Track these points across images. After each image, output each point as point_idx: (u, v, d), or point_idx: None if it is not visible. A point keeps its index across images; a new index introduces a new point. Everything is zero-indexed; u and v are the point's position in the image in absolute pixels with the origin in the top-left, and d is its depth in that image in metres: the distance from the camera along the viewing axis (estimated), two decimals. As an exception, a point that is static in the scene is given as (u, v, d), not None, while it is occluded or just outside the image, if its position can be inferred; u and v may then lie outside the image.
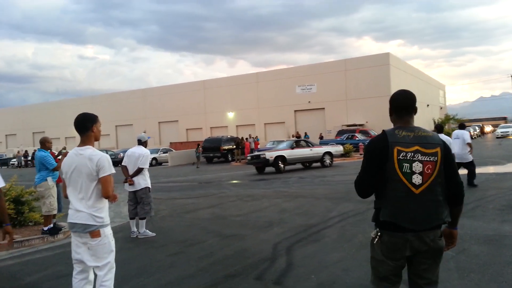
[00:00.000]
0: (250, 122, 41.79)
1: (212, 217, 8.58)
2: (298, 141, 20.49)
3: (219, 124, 43.74)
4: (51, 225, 7.33)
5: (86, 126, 3.36)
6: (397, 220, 2.37)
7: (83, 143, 3.38)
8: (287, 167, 18.95)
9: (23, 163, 41.33)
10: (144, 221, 7.16)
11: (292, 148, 19.11)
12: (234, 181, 16.08)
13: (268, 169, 18.91)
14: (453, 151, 9.92)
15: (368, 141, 3.14)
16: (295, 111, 39.76)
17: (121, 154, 30.00)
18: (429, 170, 2.36)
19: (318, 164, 19.69)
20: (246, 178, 17.22)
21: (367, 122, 35.00)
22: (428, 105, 44.34)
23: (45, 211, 7.24)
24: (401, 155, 2.37)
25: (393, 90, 2.90)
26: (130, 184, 7.09)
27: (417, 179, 2.36)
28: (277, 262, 5.11)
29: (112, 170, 3.34)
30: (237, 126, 42.56)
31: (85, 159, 3.27)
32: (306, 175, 16.51)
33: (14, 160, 42.79)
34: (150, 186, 7.26)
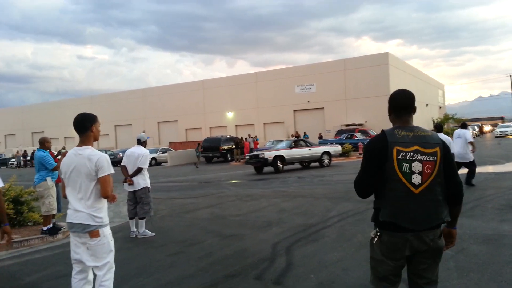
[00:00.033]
0: (249, 122, 41.79)
1: (211, 217, 8.58)
2: (297, 141, 20.50)
3: (219, 124, 43.73)
4: (51, 225, 7.33)
5: (85, 126, 3.35)
6: (397, 220, 2.37)
7: (82, 143, 3.38)
8: (286, 167, 18.95)
9: (22, 163, 41.33)
10: (144, 221, 7.16)
11: (290, 148, 19.12)
12: (234, 181, 16.08)
13: (267, 169, 18.92)
14: (454, 151, 9.92)
15: (367, 141, 3.14)
16: (294, 110, 39.77)
17: (121, 154, 29.99)
18: (429, 170, 2.36)
19: (317, 164, 19.70)
20: (245, 178, 17.22)
21: (366, 121, 35.01)
22: (427, 104, 44.37)
23: (44, 211, 7.23)
24: (400, 155, 2.36)
25: (392, 89, 2.91)
26: (129, 184, 7.08)
27: (416, 179, 2.35)
28: (277, 262, 5.11)
29: (111, 170, 3.34)
30: (236, 126, 42.55)
31: (84, 159, 3.27)
32: (305, 174, 16.52)
33: (13, 160, 42.78)
34: (149, 186, 7.26)
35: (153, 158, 31.71)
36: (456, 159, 9.86)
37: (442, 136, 8.92)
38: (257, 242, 6.18)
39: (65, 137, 51.64)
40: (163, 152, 33.92)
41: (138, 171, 7.04)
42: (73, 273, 3.38)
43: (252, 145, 29.48)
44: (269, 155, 18.15)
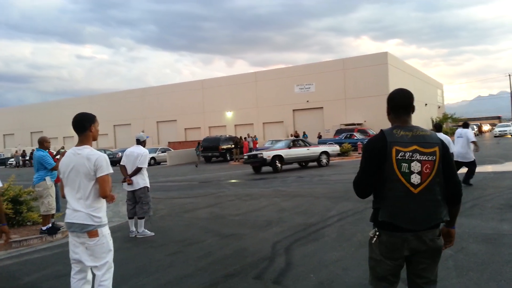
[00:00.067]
0: (248, 121, 41.79)
1: (211, 217, 8.58)
2: (295, 141, 20.51)
3: (218, 124, 43.72)
4: (50, 225, 7.32)
5: (84, 125, 3.35)
6: (396, 221, 2.36)
7: (81, 142, 3.37)
8: (284, 167, 18.96)
9: (21, 162, 41.31)
10: (143, 220, 7.15)
11: (289, 147, 19.13)
12: (233, 181, 16.08)
13: (266, 168, 18.92)
14: (454, 150, 9.91)
15: (366, 140, 3.13)
16: (294, 110, 39.77)
17: (119, 153, 29.96)
18: (428, 170, 2.36)
19: (315, 163, 19.71)
20: (244, 177, 17.22)
21: (365, 121, 35.03)
22: (426, 104, 44.41)
23: (43, 211, 7.22)
24: (399, 155, 2.36)
25: (391, 89, 2.90)
26: (128, 184, 7.07)
27: (415, 178, 2.35)
28: (276, 261, 5.11)
29: (110, 170, 3.33)
30: (235, 125, 42.55)
31: (83, 159, 3.27)
32: (305, 174, 16.52)
33: (12, 159, 42.76)
34: (148, 186, 7.25)
35: (152, 158, 31.70)
36: (457, 159, 9.85)
37: (441, 135, 8.93)
38: (256, 242, 6.18)
39: (64, 137, 51.57)
40: (162, 152, 33.90)
41: (137, 170, 7.03)
42: (72, 273, 3.37)
43: (251, 145, 29.48)
44: (267, 155, 18.15)
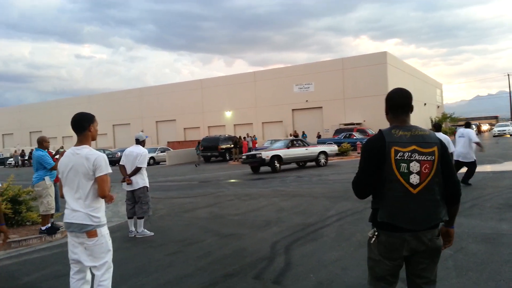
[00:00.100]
0: (247, 121, 41.79)
1: (210, 216, 8.58)
2: (294, 141, 20.52)
3: (217, 123, 43.72)
4: (49, 225, 7.31)
5: (83, 125, 3.35)
6: (395, 221, 2.35)
7: (80, 142, 3.37)
8: (282, 167, 18.96)
9: (20, 162, 41.25)
10: (142, 220, 7.15)
11: (288, 147, 19.13)
12: (232, 180, 16.07)
13: (264, 168, 18.92)
14: (455, 150, 9.90)
15: (365, 140, 3.13)
16: (293, 110, 39.79)
17: (119, 153, 29.94)
18: (427, 170, 2.35)
19: (313, 163, 19.71)
20: (244, 177, 17.22)
21: (364, 121, 35.05)
22: (425, 103, 44.44)
23: (42, 211, 7.21)
24: (398, 155, 2.35)
25: (390, 88, 2.89)
26: (128, 183, 7.07)
27: (414, 179, 2.34)
28: (276, 261, 5.11)
29: (109, 170, 3.33)
30: (234, 125, 42.54)
31: (81, 159, 3.26)
32: (304, 174, 16.53)
33: (11, 159, 42.69)
34: (148, 186, 7.24)
35: (152, 158, 31.69)
36: (458, 159, 9.84)
37: (440, 135, 8.93)
38: (256, 242, 6.18)
39: (63, 137, 51.54)
40: (162, 152, 33.89)
41: (137, 170, 7.03)
42: (71, 273, 3.37)
43: (250, 145, 29.48)
44: (266, 155, 18.15)
